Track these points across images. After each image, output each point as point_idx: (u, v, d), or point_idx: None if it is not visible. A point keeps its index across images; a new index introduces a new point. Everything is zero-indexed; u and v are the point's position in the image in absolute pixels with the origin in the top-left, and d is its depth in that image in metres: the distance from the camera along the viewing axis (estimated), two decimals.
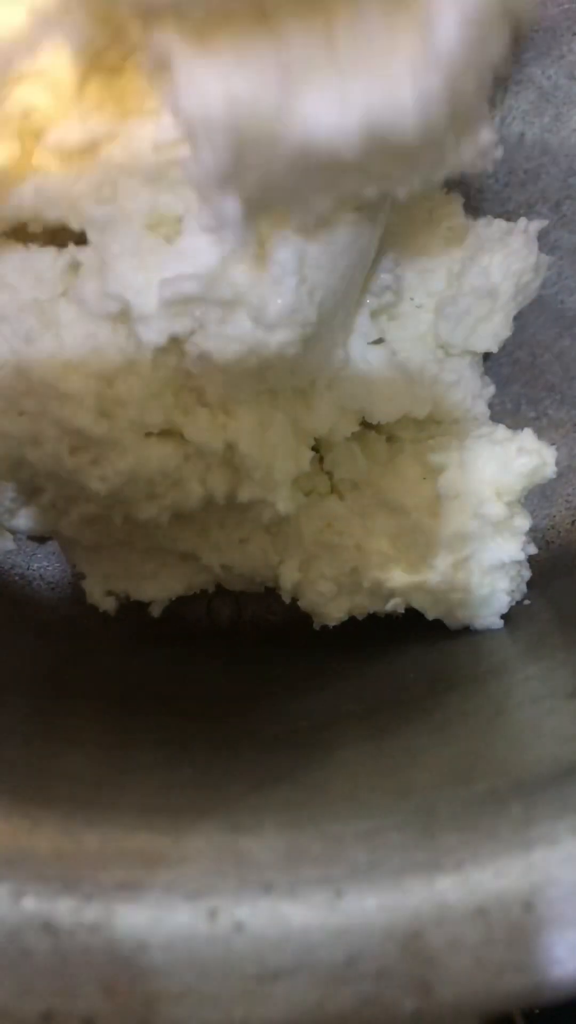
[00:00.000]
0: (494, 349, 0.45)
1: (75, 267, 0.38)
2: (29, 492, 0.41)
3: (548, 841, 0.24)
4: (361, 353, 0.41)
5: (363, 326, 0.41)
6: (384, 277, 0.42)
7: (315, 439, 0.42)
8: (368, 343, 0.42)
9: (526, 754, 0.28)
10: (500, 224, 0.45)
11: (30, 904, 0.23)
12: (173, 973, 0.23)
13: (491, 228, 0.45)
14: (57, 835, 0.25)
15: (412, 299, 0.44)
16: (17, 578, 0.50)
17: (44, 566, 0.50)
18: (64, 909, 0.23)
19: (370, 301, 0.42)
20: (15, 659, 0.45)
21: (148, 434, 0.38)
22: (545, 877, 0.23)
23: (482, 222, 0.45)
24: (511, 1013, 0.45)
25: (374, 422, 0.42)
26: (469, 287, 0.43)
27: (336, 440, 0.42)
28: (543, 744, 0.28)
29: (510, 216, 0.46)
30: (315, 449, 0.43)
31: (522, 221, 0.45)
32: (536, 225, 0.44)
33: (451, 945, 0.23)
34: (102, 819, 0.26)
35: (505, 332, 0.45)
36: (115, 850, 0.25)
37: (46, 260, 0.38)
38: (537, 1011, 0.45)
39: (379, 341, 0.43)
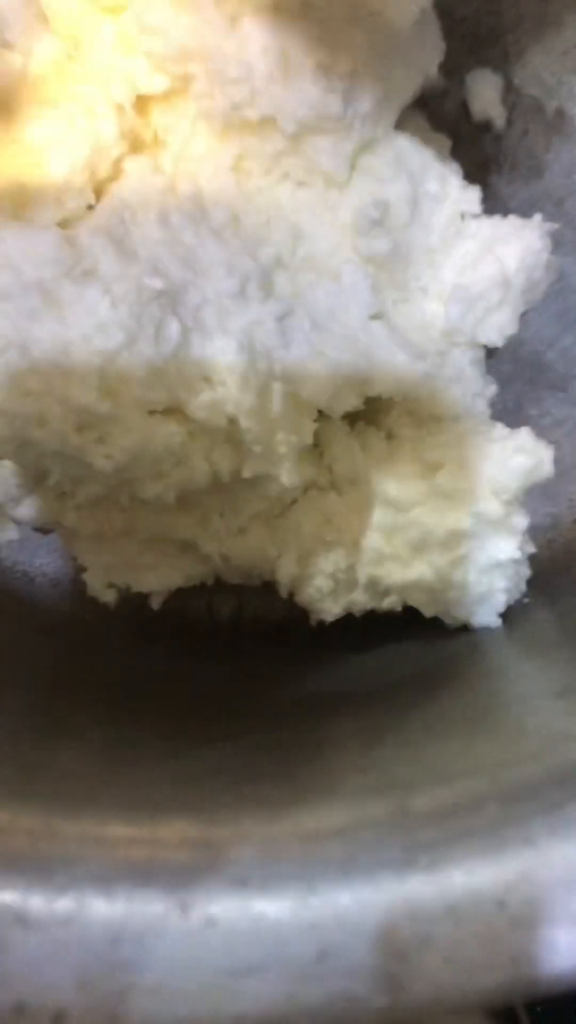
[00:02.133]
0: (499, 343, 0.45)
1: (77, 247, 0.38)
2: (35, 476, 0.42)
3: (523, 840, 0.23)
4: (361, 325, 0.41)
5: (364, 298, 0.41)
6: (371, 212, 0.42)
7: (317, 412, 0.42)
8: (368, 316, 0.42)
9: (507, 753, 0.28)
10: (514, 220, 0.45)
11: (4, 896, 0.23)
12: (145, 967, 0.23)
13: (505, 223, 0.44)
14: (34, 828, 0.25)
15: (417, 279, 0.44)
16: (19, 575, 0.50)
17: (46, 563, 0.50)
18: (37, 901, 0.23)
19: (362, 246, 0.42)
20: (16, 655, 0.45)
21: (152, 412, 0.38)
22: (519, 876, 0.23)
23: (496, 217, 0.45)
24: (515, 1009, 0.45)
25: (373, 394, 0.42)
26: (483, 274, 0.43)
27: (337, 414, 0.42)
28: (525, 743, 0.28)
29: (512, 213, 0.46)
30: (315, 445, 0.43)
31: (537, 217, 0.45)
32: (550, 225, 0.44)
33: (423, 942, 0.23)
34: (81, 812, 0.26)
35: (511, 328, 0.44)
36: (90, 842, 0.25)
37: (48, 239, 0.38)
38: (539, 1009, 0.45)
39: (378, 316, 0.42)
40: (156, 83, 0.42)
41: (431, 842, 0.24)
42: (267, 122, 0.41)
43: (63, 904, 0.23)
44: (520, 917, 0.22)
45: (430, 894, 0.23)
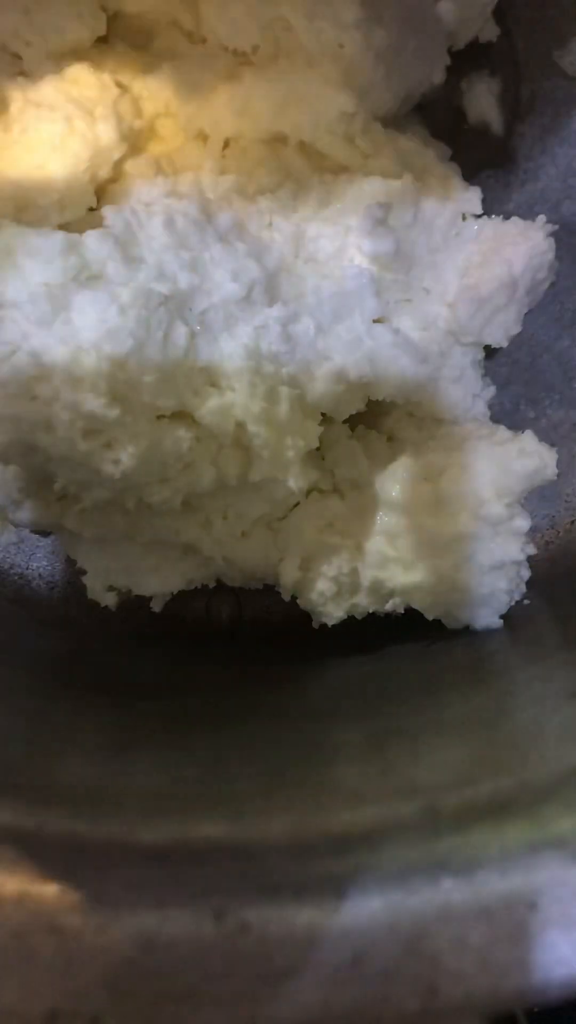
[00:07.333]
0: (504, 343, 0.45)
1: (83, 251, 0.38)
2: (38, 481, 0.41)
3: (553, 842, 0.24)
4: (365, 328, 0.41)
5: (368, 301, 0.41)
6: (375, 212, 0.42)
7: (322, 415, 0.42)
8: (372, 319, 0.42)
9: (530, 754, 0.28)
10: (517, 221, 0.45)
11: (35, 905, 0.23)
12: (179, 973, 0.23)
13: (509, 224, 0.45)
14: (62, 835, 0.25)
15: (420, 280, 0.44)
16: (16, 577, 0.50)
17: (43, 565, 0.50)
18: (69, 909, 0.23)
19: (366, 247, 0.42)
20: (14, 658, 0.45)
21: (160, 417, 0.38)
22: (550, 877, 0.23)
23: (498, 219, 0.45)
24: (514, 1011, 0.45)
25: (377, 398, 0.42)
26: (491, 274, 0.43)
27: (341, 417, 0.42)
28: (546, 744, 0.28)
29: (508, 217, 0.47)
30: (317, 448, 0.43)
31: (540, 219, 0.45)
32: (551, 227, 0.45)
33: (456, 945, 0.23)
34: (107, 819, 0.26)
35: (515, 328, 0.45)
36: (120, 850, 0.25)
37: (54, 244, 0.37)
38: (536, 1009, 0.45)
39: (382, 319, 0.43)
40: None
41: (461, 845, 0.24)
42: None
43: (97, 912, 0.23)
44: (552, 918, 0.23)
45: (462, 897, 0.23)
